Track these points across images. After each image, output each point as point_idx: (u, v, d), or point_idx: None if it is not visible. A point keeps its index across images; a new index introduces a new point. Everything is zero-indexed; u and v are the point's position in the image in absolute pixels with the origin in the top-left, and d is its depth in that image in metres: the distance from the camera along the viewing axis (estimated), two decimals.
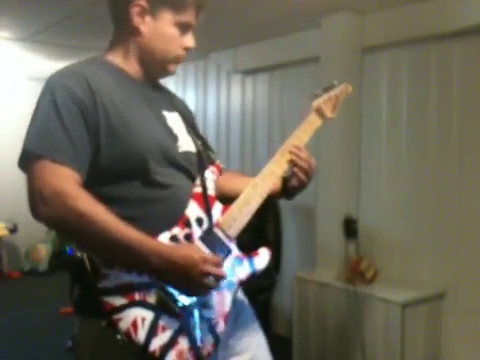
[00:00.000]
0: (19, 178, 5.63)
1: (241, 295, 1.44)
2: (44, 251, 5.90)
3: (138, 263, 1.16)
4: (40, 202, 1.14)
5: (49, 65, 5.16)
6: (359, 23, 3.22)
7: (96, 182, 1.21)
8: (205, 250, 1.23)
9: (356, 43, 3.24)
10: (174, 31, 1.33)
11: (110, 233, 1.12)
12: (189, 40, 1.37)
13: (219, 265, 1.20)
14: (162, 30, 1.32)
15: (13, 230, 5.57)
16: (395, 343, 2.71)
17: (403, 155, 3.11)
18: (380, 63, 3.24)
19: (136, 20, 1.31)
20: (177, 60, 1.38)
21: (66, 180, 1.14)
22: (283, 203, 3.57)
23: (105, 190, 1.22)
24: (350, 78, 3.25)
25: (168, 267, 1.14)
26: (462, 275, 2.82)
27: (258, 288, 3.17)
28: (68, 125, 1.17)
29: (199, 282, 1.16)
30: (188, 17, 1.34)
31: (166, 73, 1.40)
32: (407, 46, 3.08)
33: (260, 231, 3.39)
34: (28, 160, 1.19)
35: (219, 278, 1.19)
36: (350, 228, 3.17)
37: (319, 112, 1.53)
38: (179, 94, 5.48)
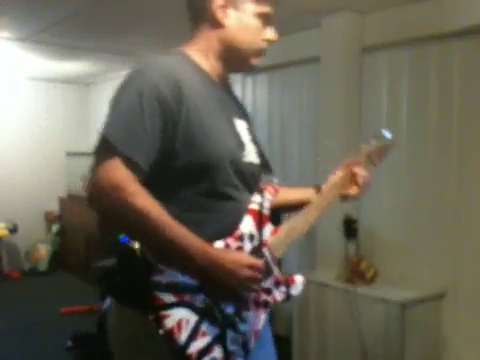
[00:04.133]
0: (19, 178, 5.65)
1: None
2: (44, 251, 5.91)
3: (184, 261, 1.15)
4: (101, 194, 1.14)
5: (49, 65, 5.17)
6: (359, 23, 3.22)
7: (163, 181, 1.21)
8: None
9: (356, 43, 3.24)
10: (257, 22, 1.33)
11: (161, 231, 1.12)
12: (271, 32, 1.37)
13: (262, 272, 1.23)
14: (246, 21, 1.32)
15: (13, 230, 5.57)
16: (395, 343, 2.71)
17: (403, 155, 3.11)
18: (380, 63, 3.24)
19: (219, 14, 1.30)
20: (260, 53, 1.37)
21: (128, 176, 1.14)
22: None
23: (170, 189, 1.22)
24: (350, 78, 3.26)
25: (213, 268, 1.15)
26: (462, 275, 2.82)
27: None
28: (148, 126, 1.16)
29: (242, 286, 1.19)
30: (268, 8, 1.34)
31: (249, 67, 1.39)
32: (407, 46, 3.08)
33: None
34: (104, 148, 1.17)
35: (259, 282, 1.22)
36: (350, 228, 3.17)
37: (367, 157, 1.58)
38: None
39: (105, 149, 1.16)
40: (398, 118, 3.15)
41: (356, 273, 3.03)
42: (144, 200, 1.13)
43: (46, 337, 3.87)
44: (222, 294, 1.20)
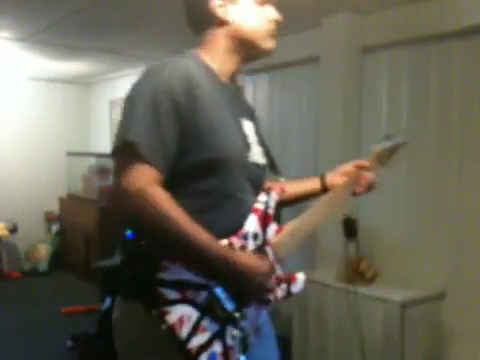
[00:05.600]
0: (19, 178, 5.65)
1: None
2: (44, 251, 5.90)
3: (205, 264, 1.21)
4: (124, 197, 1.19)
5: (49, 65, 5.17)
6: (359, 23, 3.22)
7: (172, 180, 1.24)
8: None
9: (356, 43, 3.24)
10: (256, 8, 1.37)
11: (184, 235, 1.18)
12: (271, 12, 1.39)
13: (271, 276, 1.29)
14: (246, 10, 1.36)
15: (13, 230, 5.57)
16: (395, 343, 2.71)
17: (403, 155, 3.11)
18: (380, 63, 3.24)
19: (220, 12, 1.34)
20: (270, 35, 1.39)
21: (152, 180, 1.19)
22: None
23: (178, 189, 1.25)
24: (350, 78, 3.26)
25: (230, 271, 1.21)
26: (462, 275, 2.82)
27: None
28: (164, 127, 1.20)
29: (252, 290, 1.27)
30: None
31: (265, 51, 1.41)
32: (407, 46, 3.08)
33: None
34: (125, 151, 1.20)
35: (267, 291, 1.30)
36: (350, 228, 3.17)
37: (378, 157, 1.64)
38: None
39: (127, 152, 1.19)
40: (398, 118, 3.14)
41: (356, 273, 3.03)
42: (167, 205, 1.18)
43: (46, 337, 3.87)
44: (235, 293, 1.25)
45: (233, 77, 1.42)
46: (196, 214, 1.21)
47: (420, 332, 2.79)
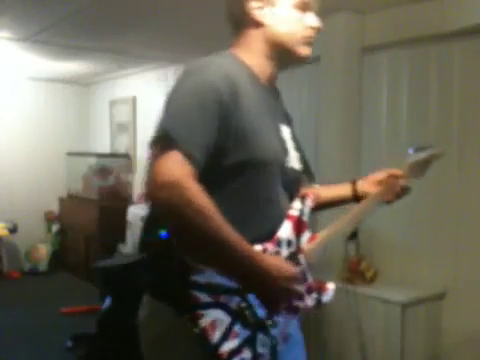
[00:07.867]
0: (19, 178, 5.65)
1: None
2: (44, 251, 5.91)
3: (229, 263, 1.16)
4: (159, 187, 1.13)
5: (49, 65, 5.17)
6: (359, 23, 3.22)
7: (210, 179, 1.20)
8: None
9: (356, 43, 3.24)
10: (295, 13, 1.36)
11: (217, 232, 1.12)
12: (312, 19, 1.39)
13: (299, 281, 1.26)
14: (283, 14, 1.35)
15: (13, 230, 5.57)
16: (395, 343, 2.71)
17: (403, 155, 3.11)
18: (380, 63, 3.24)
19: (256, 14, 1.33)
20: (306, 41, 1.38)
21: (189, 174, 1.14)
22: None
23: (216, 189, 1.22)
24: (350, 78, 3.26)
25: (256, 273, 1.17)
26: (462, 275, 2.82)
27: None
28: (207, 124, 1.17)
29: (279, 294, 1.21)
30: None
31: (299, 58, 1.39)
32: (407, 46, 3.08)
33: None
34: (165, 141, 1.17)
35: (296, 295, 1.25)
36: None
37: (411, 169, 1.63)
38: None
39: (166, 143, 1.15)
40: (398, 118, 3.15)
41: (356, 273, 3.03)
42: (202, 199, 1.13)
43: (46, 337, 3.87)
44: (261, 298, 1.22)
45: (272, 80, 1.41)
46: (231, 216, 1.18)
47: (420, 332, 2.79)
